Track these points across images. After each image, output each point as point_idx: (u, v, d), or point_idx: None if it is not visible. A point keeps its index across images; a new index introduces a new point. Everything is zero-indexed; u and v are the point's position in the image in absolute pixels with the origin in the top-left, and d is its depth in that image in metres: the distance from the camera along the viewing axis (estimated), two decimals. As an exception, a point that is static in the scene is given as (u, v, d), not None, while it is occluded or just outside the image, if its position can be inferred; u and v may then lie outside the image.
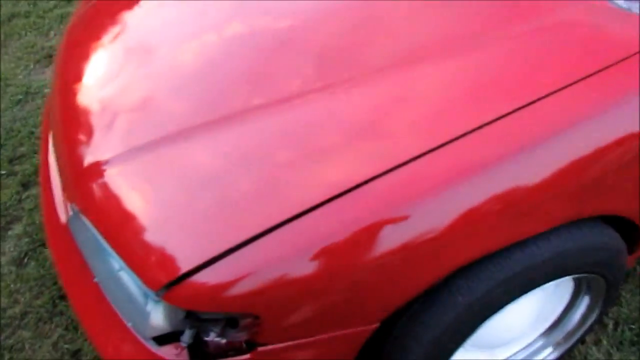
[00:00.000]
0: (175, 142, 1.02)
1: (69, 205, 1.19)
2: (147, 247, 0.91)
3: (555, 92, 0.93)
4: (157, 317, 0.94)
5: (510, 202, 0.86)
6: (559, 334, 1.29)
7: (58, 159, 1.21)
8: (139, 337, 0.98)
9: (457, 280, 0.88)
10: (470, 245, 0.86)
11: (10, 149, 2.04)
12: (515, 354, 1.30)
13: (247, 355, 0.93)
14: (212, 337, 0.94)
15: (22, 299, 1.59)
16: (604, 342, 1.39)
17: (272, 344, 0.92)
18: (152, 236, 0.92)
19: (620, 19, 1.03)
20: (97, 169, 1.06)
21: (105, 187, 1.03)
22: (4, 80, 2.36)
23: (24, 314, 1.55)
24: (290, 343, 0.92)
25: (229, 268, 0.86)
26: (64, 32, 1.50)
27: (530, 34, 1.03)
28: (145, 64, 1.24)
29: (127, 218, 0.97)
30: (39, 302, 1.58)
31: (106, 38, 1.37)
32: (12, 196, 1.87)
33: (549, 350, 1.31)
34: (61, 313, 1.55)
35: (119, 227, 0.97)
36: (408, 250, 0.85)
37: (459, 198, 0.85)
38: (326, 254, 0.85)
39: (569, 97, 0.92)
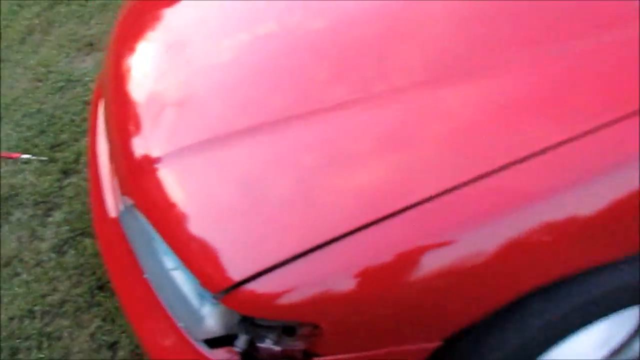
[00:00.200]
0: (234, 142, 1.00)
1: (121, 198, 1.18)
2: (207, 249, 0.89)
3: (626, 116, 0.88)
4: (212, 319, 0.92)
5: (583, 226, 0.82)
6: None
7: (112, 151, 1.20)
8: (189, 338, 0.97)
9: (533, 302, 0.85)
10: (542, 269, 0.83)
11: (52, 136, 2.05)
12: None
13: (303, 365, 0.91)
14: (267, 344, 0.92)
15: (62, 287, 1.59)
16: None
17: (329, 355, 0.90)
18: (213, 238, 0.90)
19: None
20: (154, 164, 1.04)
21: (163, 183, 1.01)
22: (45, 67, 2.37)
23: (62, 302, 1.56)
24: (348, 355, 0.90)
25: (291, 276, 0.83)
26: (113, 24, 1.49)
27: (597, 49, 0.98)
28: (200, 60, 1.23)
29: (186, 217, 0.95)
30: (77, 291, 1.58)
31: (159, 33, 1.35)
32: (53, 183, 1.88)
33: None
34: (99, 304, 1.55)
35: (177, 225, 0.95)
36: (469, 273, 0.82)
37: (528, 220, 0.81)
38: (384, 269, 0.82)
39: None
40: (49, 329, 1.50)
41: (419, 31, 1.09)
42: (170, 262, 0.99)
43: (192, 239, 0.92)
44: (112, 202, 1.22)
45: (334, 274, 0.83)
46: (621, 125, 0.84)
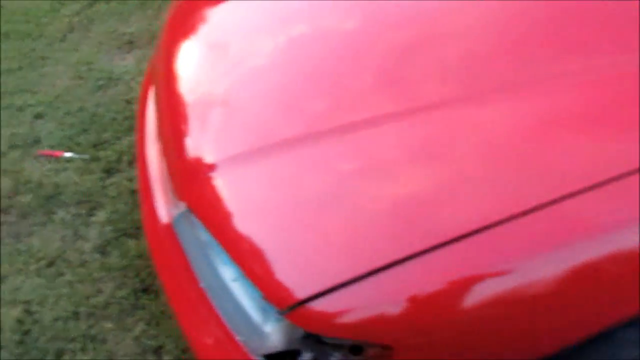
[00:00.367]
0: (296, 151, 0.97)
1: (175, 203, 1.16)
2: (272, 263, 0.86)
3: None
4: (275, 335, 0.89)
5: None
6: None
7: (166, 155, 1.18)
8: (249, 352, 0.93)
9: (625, 333, 0.80)
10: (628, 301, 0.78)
11: (94, 134, 2.04)
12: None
13: (369, 386, 0.87)
14: (333, 363, 0.89)
15: (106, 289, 1.58)
16: None
17: (398, 377, 0.86)
18: (278, 251, 0.86)
19: None
20: (212, 170, 1.01)
21: (223, 190, 0.98)
22: (86, 65, 2.37)
23: (107, 304, 1.54)
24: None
25: (362, 294, 0.80)
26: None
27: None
28: (253, 62, 1.19)
29: (247, 228, 0.92)
30: (121, 293, 1.57)
31: (212, 33, 1.33)
32: (96, 182, 1.87)
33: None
34: (143, 307, 1.53)
35: (238, 235, 0.92)
36: (540, 302, 0.78)
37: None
38: (454, 293, 0.78)
39: None
40: (93, 332, 1.49)
41: (462, 37, 1.05)
42: (229, 272, 0.96)
43: (256, 251, 0.89)
44: (165, 207, 1.20)
45: (408, 294, 0.79)
46: None
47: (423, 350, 0.82)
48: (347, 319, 0.81)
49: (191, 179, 1.04)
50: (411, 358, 0.82)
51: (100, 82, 2.26)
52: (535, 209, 0.79)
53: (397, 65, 1.04)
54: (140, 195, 1.30)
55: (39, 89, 2.33)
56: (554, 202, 0.79)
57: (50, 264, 1.67)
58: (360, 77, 1.06)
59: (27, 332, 1.51)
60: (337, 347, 0.89)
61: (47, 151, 2.02)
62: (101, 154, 1.95)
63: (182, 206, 1.12)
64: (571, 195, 0.78)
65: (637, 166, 0.81)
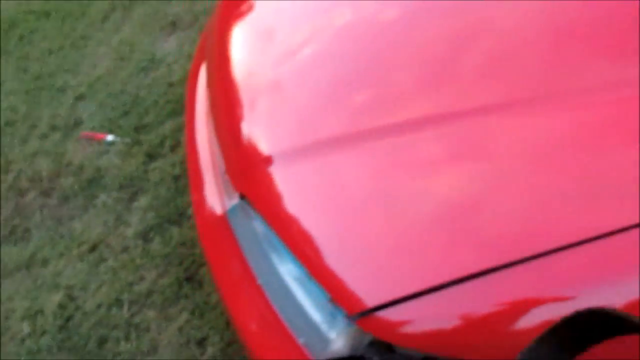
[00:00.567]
0: (363, 145, 0.90)
1: (227, 194, 1.11)
2: (344, 265, 0.80)
3: None
4: (341, 339, 0.83)
5: None
6: None
7: (221, 142, 1.12)
8: (310, 354, 0.88)
9: None
10: None
11: (136, 117, 2.01)
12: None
13: (445, 401, 0.81)
14: (404, 373, 0.82)
15: (148, 276, 1.55)
16: None
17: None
18: (351, 254, 0.80)
19: None
20: (270, 162, 0.96)
21: (285, 184, 0.92)
22: (128, 47, 2.33)
23: (150, 293, 1.51)
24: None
25: (440, 305, 0.73)
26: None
27: None
28: (310, 50, 1.12)
29: (315, 226, 0.86)
30: (164, 281, 1.53)
31: (268, 16, 1.26)
32: (138, 167, 1.84)
33: None
34: (186, 296, 1.49)
35: (304, 234, 0.86)
36: None
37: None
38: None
39: None
40: (136, 320, 1.46)
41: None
42: (291, 271, 0.90)
43: (323, 251, 0.83)
44: (217, 196, 1.15)
45: (484, 309, 0.72)
46: None
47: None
48: (420, 329, 0.74)
49: (248, 169, 0.99)
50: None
51: (143, 64, 2.22)
52: (608, 234, 0.71)
53: (444, 63, 0.96)
54: (190, 182, 1.25)
55: (80, 70, 2.31)
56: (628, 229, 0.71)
57: (93, 249, 1.65)
58: (409, 72, 0.99)
59: (69, 318, 1.49)
60: (409, 357, 0.83)
61: (89, 133, 1.99)
62: (143, 137, 1.92)
63: (236, 197, 1.07)
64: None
65: None
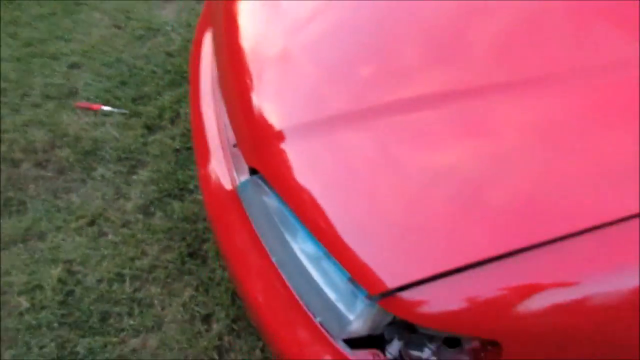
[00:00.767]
0: (379, 120, 0.86)
1: (240, 168, 1.07)
2: (366, 244, 0.77)
3: None
4: (361, 319, 0.81)
5: None
6: None
7: (231, 115, 1.08)
8: (328, 334, 0.86)
9: None
10: None
11: (134, 88, 1.94)
12: None
13: (466, 382, 0.80)
14: (426, 354, 0.81)
15: (151, 251, 1.51)
16: None
17: (501, 374, 0.78)
18: (372, 233, 0.77)
19: None
20: (282, 137, 0.92)
21: (300, 160, 0.89)
22: (124, 13, 2.25)
23: (152, 268, 1.48)
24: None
25: (474, 284, 0.71)
26: None
27: None
28: (320, 21, 1.07)
29: (334, 204, 0.82)
30: (167, 257, 1.50)
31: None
32: (137, 139, 1.78)
33: None
34: (190, 272, 1.47)
35: (321, 211, 0.83)
36: None
37: None
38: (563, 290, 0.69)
39: None
40: (139, 295, 1.43)
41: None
42: (309, 249, 0.88)
43: (344, 231, 0.79)
44: (226, 170, 1.11)
45: (505, 289, 0.70)
46: None
47: (529, 348, 0.73)
48: (443, 309, 0.72)
49: (261, 143, 0.95)
50: (519, 355, 0.74)
51: (139, 33, 2.15)
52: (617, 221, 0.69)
53: (453, 39, 0.92)
54: (196, 155, 1.21)
55: (73, 37, 2.22)
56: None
57: (91, 223, 1.61)
58: (419, 48, 0.95)
59: (70, 293, 1.46)
60: (432, 337, 0.81)
61: (84, 103, 1.93)
62: (141, 109, 1.86)
63: (247, 172, 1.03)
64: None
65: None
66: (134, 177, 1.70)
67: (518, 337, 0.71)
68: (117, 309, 1.41)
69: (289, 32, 1.09)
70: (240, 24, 1.15)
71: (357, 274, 0.77)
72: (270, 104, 0.98)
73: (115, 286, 1.46)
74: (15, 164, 1.83)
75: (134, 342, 1.35)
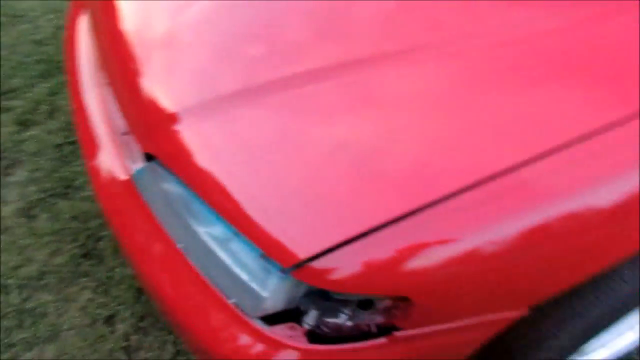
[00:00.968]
0: (271, 95, 0.86)
1: (134, 156, 1.01)
2: (274, 218, 0.77)
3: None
4: (276, 294, 0.81)
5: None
6: None
7: (121, 102, 1.01)
8: (243, 315, 0.85)
9: (624, 269, 0.82)
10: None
11: (1, 81, 1.75)
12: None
13: (382, 340, 0.83)
14: (342, 319, 0.83)
15: (38, 257, 1.39)
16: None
17: (412, 328, 0.82)
18: (278, 207, 0.77)
19: None
20: (177, 120, 0.88)
21: (200, 139, 0.86)
22: (-21, -1, 2.02)
23: (41, 274, 1.36)
24: (430, 328, 0.82)
25: (377, 246, 0.74)
26: None
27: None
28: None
29: (237, 182, 0.81)
30: (58, 260, 1.39)
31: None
32: (9, 137, 1.62)
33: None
34: (86, 274, 1.37)
35: (225, 191, 0.81)
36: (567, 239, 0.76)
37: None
38: (471, 236, 0.75)
39: None
40: (29, 305, 1.31)
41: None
42: (216, 231, 0.86)
43: (250, 208, 0.79)
44: (118, 161, 1.04)
45: (415, 248, 0.74)
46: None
47: (442, 299, 0.78)
48: (353, 273, 0.74)
49: (157, 128, 0.91)
50: (427, 307, 0.79)
51: (2, 19, 1.93)
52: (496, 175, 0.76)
53: (337, 12, 0.95)
54: (83, 148, 1.12)
55: None
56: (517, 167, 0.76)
57: (-36, 233, 1.44)
58: (305, 23, 0.97)
59: (-56, 312, 1.30)
60: (345, 302, 0.84)
61: (-60, 101, 1.71)
62: (13, 103, 1.68)
63: (141, 159, 0.98)
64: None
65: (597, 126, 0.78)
66: (10, 178, 1.54)
67: (422, 291, 0.75)
68: (5, 323, 1.28)
69: (173, 11, 1.05)
70: (119, 6, 1.08)
71: (269, 249, 0.77)
72: (161, 86, 0.93)
73: (-1, 299, 1.32)
74: None
75: (29, 356, 1.24)
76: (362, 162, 0.78)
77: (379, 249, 0.74)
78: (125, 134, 1.07)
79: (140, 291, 1.34)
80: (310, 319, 0.83)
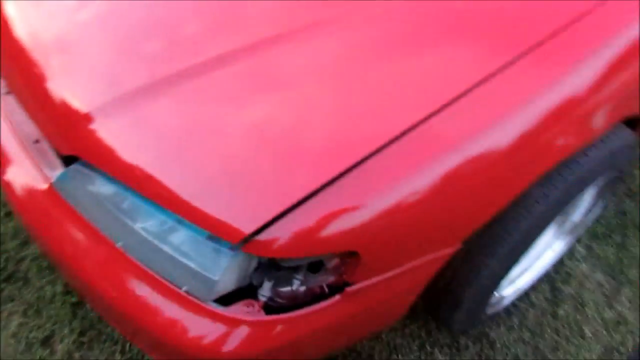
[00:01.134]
0: (179, 85, 0.87)
1: (52, 162, 0.97)
2: (214, 199, 0.78)
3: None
4: (228, 275, 0.82)
5: (573, 111, 0.89)
6: (568, 226, 1.42)
7: (30, 109, 0.96)
8: (197, 300, 0.85)
9: (535, 190, 0.92)
10: (548, 157, 0.89)
11: None
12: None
13: (336, 298, 0.87)
14: (295, 285, 0.85)
15: (-48, 289, 1.28)
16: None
17: (361, 281, 0.86)
18: (217, 186, 0.78)
19: None
20: (91, 119, 0.86)
21: (123, 133, 0.85)
22: None
23: (-40, 307, 1.26)
24: (378, 278, 0.87)
25: (313, 211, 0.77)
26: None
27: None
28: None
29: (171, 169, 0.81)
30: (-24, 289, 1.29)
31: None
32: None
33: (558, 242, 1.44)
34: (12, 298, 1.28)
35: (160, 181, 0.80)
36: (490, 168, 0.84)
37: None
38: (402, 187, 0.80)
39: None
40: (-48, 342, 1.21)
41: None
42: (153, 226, 0.85)
43: (190, 191, 0.79)
44: (35, 171, 0.99)
45: (369, 196, 0.78)
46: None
47: (385, 249, 0.83)
48: (298, 238, 0.78)
49: (74, 130, 0.87)
50: (375, 259, 0.83)
51: None
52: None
53: (221, 5, 0.98)
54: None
55: None
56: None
57: None
58: (195, 16, 0.98)
59: None
60: (295, 269, 0.86)
61: None
62: None
63: (60, 164, 0.94)
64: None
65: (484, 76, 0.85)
66: None
67: (366, 242, 0.80)
68: None
69: (68, 13, 1.01)
70: (11, 14, 1.02)
71: (215, 229, 0.78)
72: (68, 89, 0.90)
73: None
74: None
75: (-37, 396, 1.15)
76: (280, 138, 0.81)
77: (319, 211, 0.78)
78: (37, 141, 1.02)
79: (76, 306, 1.28)
80: (265, 290, 0.85)
